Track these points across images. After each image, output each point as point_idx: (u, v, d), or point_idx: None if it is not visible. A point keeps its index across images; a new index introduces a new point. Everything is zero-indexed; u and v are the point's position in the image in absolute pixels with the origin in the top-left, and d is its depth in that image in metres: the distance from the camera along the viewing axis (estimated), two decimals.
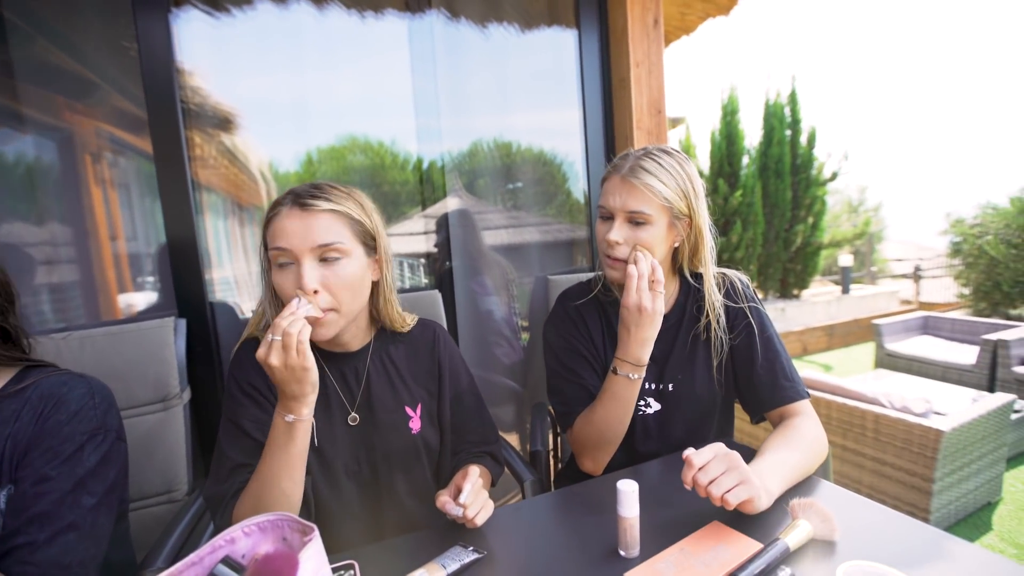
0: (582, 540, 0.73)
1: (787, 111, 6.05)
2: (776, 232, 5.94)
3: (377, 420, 0.91)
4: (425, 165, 1.79)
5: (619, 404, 0.94)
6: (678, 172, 0.94)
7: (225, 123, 1.52)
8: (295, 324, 0.69)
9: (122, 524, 0.85)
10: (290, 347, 0.68)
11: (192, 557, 0.46)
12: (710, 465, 0.71)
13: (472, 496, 0.74)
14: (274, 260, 0.79)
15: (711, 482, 0.70)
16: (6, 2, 1.27)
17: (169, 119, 1.34)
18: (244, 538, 0.49)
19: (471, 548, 0.70)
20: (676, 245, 0.99)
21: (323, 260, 0.78)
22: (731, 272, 1.06)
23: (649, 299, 0.87)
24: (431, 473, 0.97)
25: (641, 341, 0.90)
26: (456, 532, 0.76)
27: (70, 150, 1.40)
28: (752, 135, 6.08)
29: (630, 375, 0.92)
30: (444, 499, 0.75)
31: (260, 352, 0.69)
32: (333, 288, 0.79)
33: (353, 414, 0.90)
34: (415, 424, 0.93)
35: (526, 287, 1.90)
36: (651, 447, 1.03)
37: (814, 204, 6.05)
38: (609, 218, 0.96)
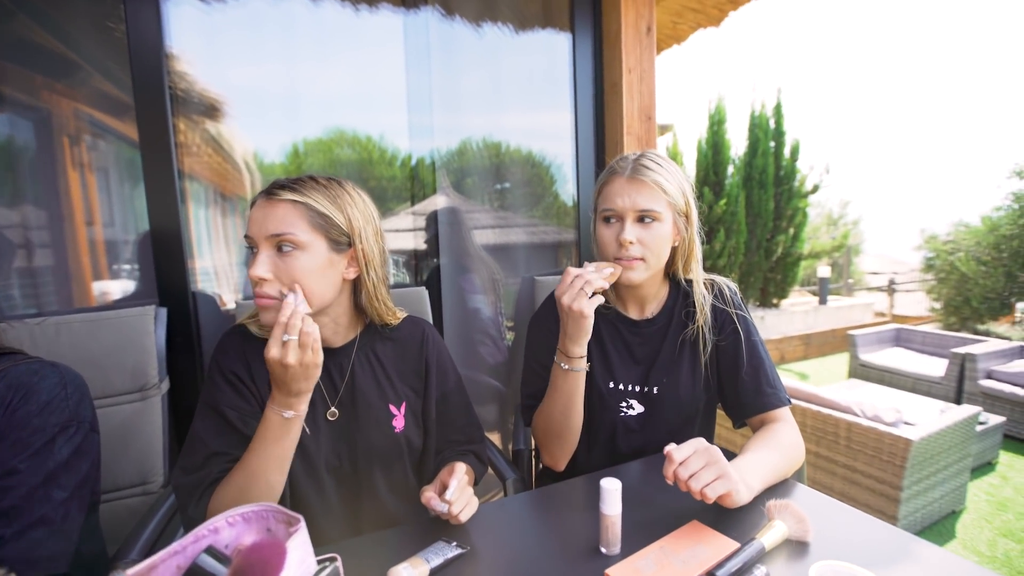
0: (564, 537, 0.74)
1: (772, 123, 6.15)
2: (758, 241, 6.03)
3: (359, 416, 0.90)
4: (414, 162, 1.78)
5: (560, 395, 0.95)
6: (676, 171, 0.97)
7: (211, 111, 1.49)
8: (308, 322, 0.71)
9: (93, 516, 0.83)
10: (307, 346, 0.69)
11: (175, 546, 0.45)
12: (690, 460, 0.72)
13: (458, 493, 0.75)
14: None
15: (691, 476, 0.71)
16: None
17: (156, 105, 1.31)
18: (228, 528, 0.48)
19: (454, 543, 0.70)
20: (675, 245, 1.01)
21: (280, 251, 0.77)
22: (720, 278, 1.07)
23: (570, 296, 0.85)
24: (412, 471, 0.97)
25: (566, 334, 0.90)
26: (439, 527, 0.76)
27: (47, 131, 1.36)
28: (738, 145, 6.16)
29: (561, 364, 0.93)
30: (429, 495, 0.75)
31: (274, 352, 0.68)
32: (284, 280, 0.77)
33: (333, 409, 0.90)
34: (398, 423, 0.93)
35: (512, 287, 1.91)
36: (632, 448, 1.04)
37: (795, 215, 6.16)
38: (613, 220, 0.96)
